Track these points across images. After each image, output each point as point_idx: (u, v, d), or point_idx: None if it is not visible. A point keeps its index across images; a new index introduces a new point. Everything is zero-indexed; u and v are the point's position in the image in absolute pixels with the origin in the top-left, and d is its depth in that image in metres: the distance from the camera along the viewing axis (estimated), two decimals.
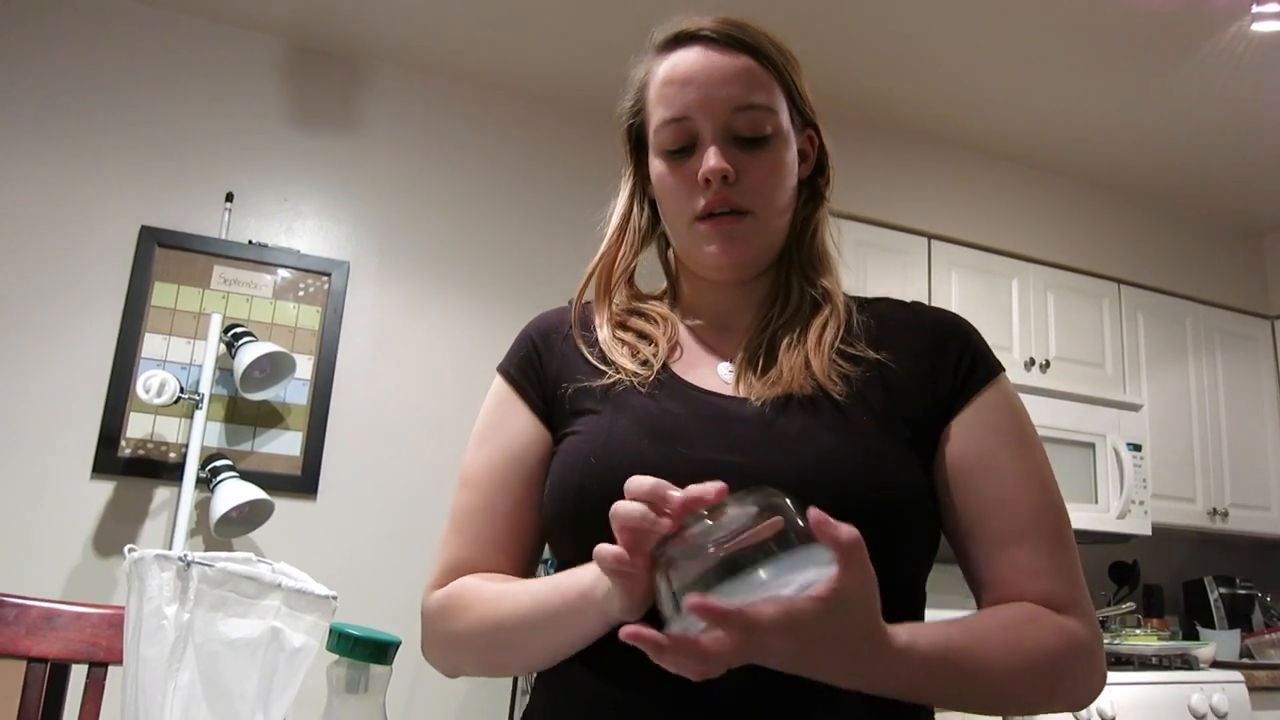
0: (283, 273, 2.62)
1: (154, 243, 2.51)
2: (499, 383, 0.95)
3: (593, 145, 2.92)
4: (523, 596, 0.80)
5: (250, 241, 2.60)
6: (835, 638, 0.60)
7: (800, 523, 0.58)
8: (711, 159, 0.85)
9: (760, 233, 0.89)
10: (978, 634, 0.74)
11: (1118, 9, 2.48)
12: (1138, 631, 2.92)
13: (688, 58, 0.88)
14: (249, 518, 2.37)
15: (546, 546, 0.92)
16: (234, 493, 2.31)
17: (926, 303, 0.98)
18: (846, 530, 0.57)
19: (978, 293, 3.07)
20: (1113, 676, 2.51)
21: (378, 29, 2.71)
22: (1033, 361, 3.07)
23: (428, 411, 2.70)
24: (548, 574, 0.83)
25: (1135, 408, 3.11)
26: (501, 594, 0.83)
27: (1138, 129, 3.07)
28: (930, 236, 3.03)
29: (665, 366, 0.89)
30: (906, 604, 0.81)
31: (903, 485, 0.79)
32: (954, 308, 2.97)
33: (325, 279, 2.66)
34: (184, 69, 2.63)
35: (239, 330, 2.45)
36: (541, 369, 0.93)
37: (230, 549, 2.44)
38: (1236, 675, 2.69)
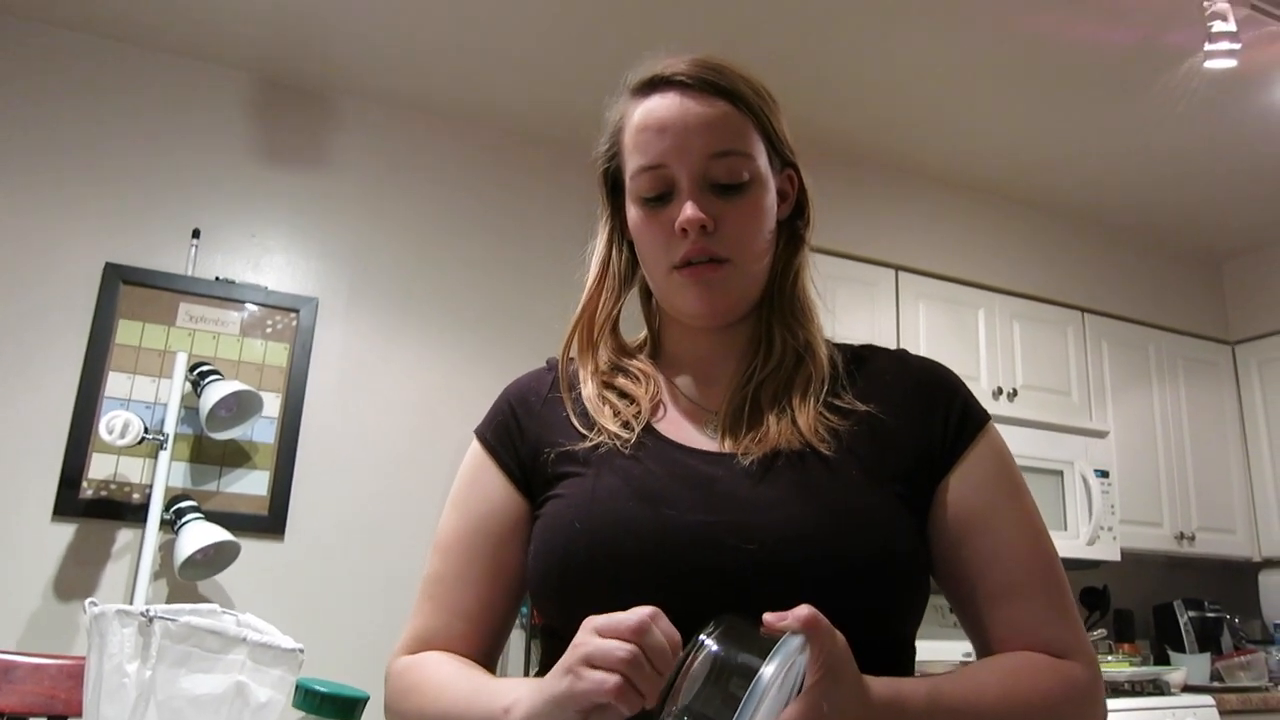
0: (250, 309, 2.60)
1: (118, 280, 2.47)
2: (475, 447, 0.94)
3: (565, 180, 2.94)
4: (453, 700, 0.80)
5: (217, 278, 2.58)
6: (842, 707, 0.61)
7: (759, 632, 0.61)
8: (689, 209, 0.84)
9: (739, 280, 0.88)
10: (972, 683, 0.75)
11: (1078, 45, 2.54)
12: (1110, 658, 2.93)
13: (663, 103, 0.87)
14: (214, 560, 2.33)
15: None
16: (199, 535, 2.27)
17: (909, 350, 0.96)
18: (799, 611, 0.60)
19: (945, 323, 3.10)
20: None
21: (347, 64, 2.71)
22: (1000, 390, 3.10)
23: (397, 449, 2.67)
24: (525, 623, 0.82)
25: (1102, 434, 3.15)
26: (440, 689, 0.82)
27: (1098, 160, 3.14)
28: (898, 268, 3.07)
29: (649, 426, 0.88)
30: (897, 659, 0.81)
31: (892, 544, 0.78)
32: (922, 338, 3.05)
33: (293, 315, 2.64)
34: (150, 104, 2.61)
35: (205, 369, 2.42)
36: (519, 434, 0.91)
37: (195, 592, 2.39)
38: (1208, 699, 2.72)
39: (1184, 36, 2.45)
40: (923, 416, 0.86)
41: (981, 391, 3.08)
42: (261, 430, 2.54)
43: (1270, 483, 3.42)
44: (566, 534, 0.81)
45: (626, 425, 0.86)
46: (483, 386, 2.78)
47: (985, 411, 0.89)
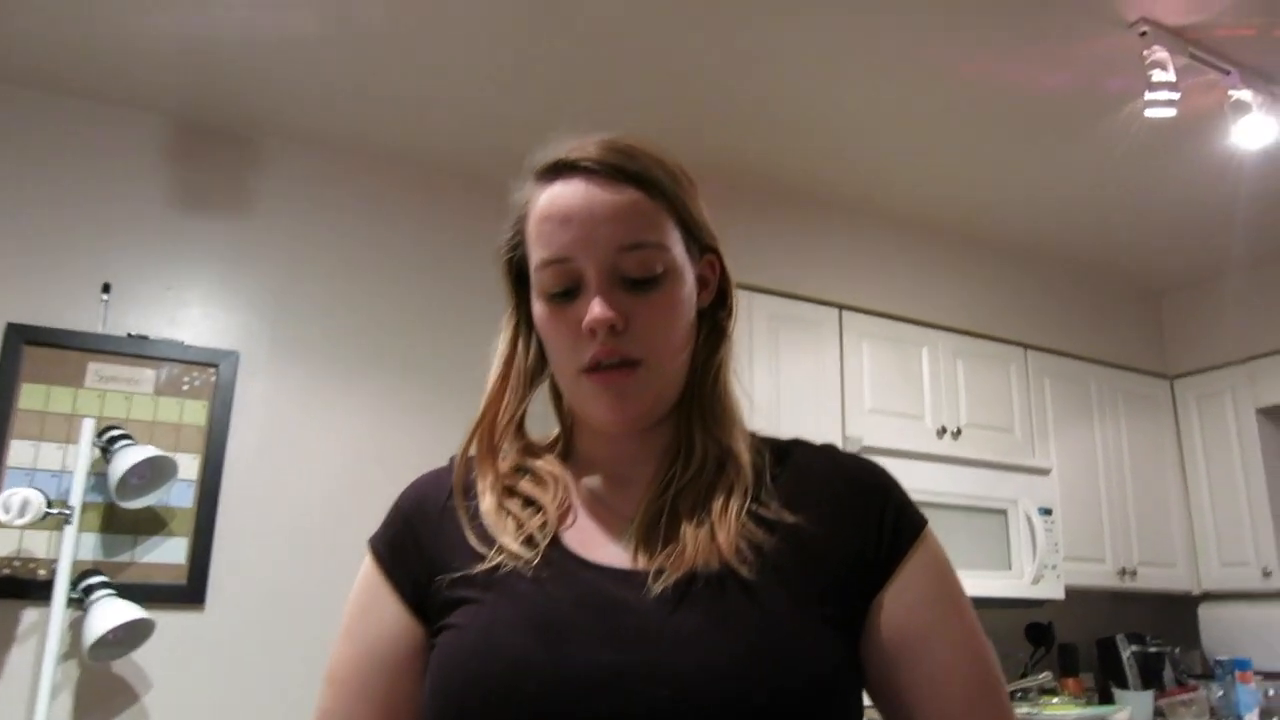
0: (166, 367, 2.47)
1: (21, 341, 2.33)
2: (368, 562, 0.87)
3: (500, 221, 2.84)
4: None
5: (130, 334, 2.44)
6: None
7: None
8: (596, 308, 0.77)
9: (653, 383, 0.81)
10: None
11: (1022, 90, 2.52)
12: (1055, 700, 2.93)
13: (567, 191, 0.80)
14: (127, 638, 2.20)
15: None
16: (109, 614, 2.15)
17: (840, 446, 0.90)
18: None
19: (889, 362, 3.07)
20: None
21: (268, 104, 2.58)
22: (944, 430, 3.08)
23: (326, 510, 2.56)
24: None
25: (1044, 472, 3.15)
26: None
27: (1041, 200, 3.14)
28: (841, 307, 3.03)
29: (555, 540, 0.80)
30: None
31: (820, 680, 0.73)
32: (866, 377, 3.02)
33: (212, 371, 2.51)
34: (54, 151, 2.47)
35: (114, 434, 2.28)
36: (415, 550, 0.84)
37: (108, 672, 2.26)
38: None
39: (1124, 82, 2.44)
40: (855, 526, 0.80)
41: (925, 430, 3.06)
42: (179, 494, 2.41)
43: (1209, 515, 3.45)
44: (462, 675, 0.74)
45: (529, 541, 0.79)
46: (415, 443, 2.69)
47: (922, 516, 0.83)
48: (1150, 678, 3.23)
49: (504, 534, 0.80)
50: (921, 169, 2.96)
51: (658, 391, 0.83)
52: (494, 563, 0.78)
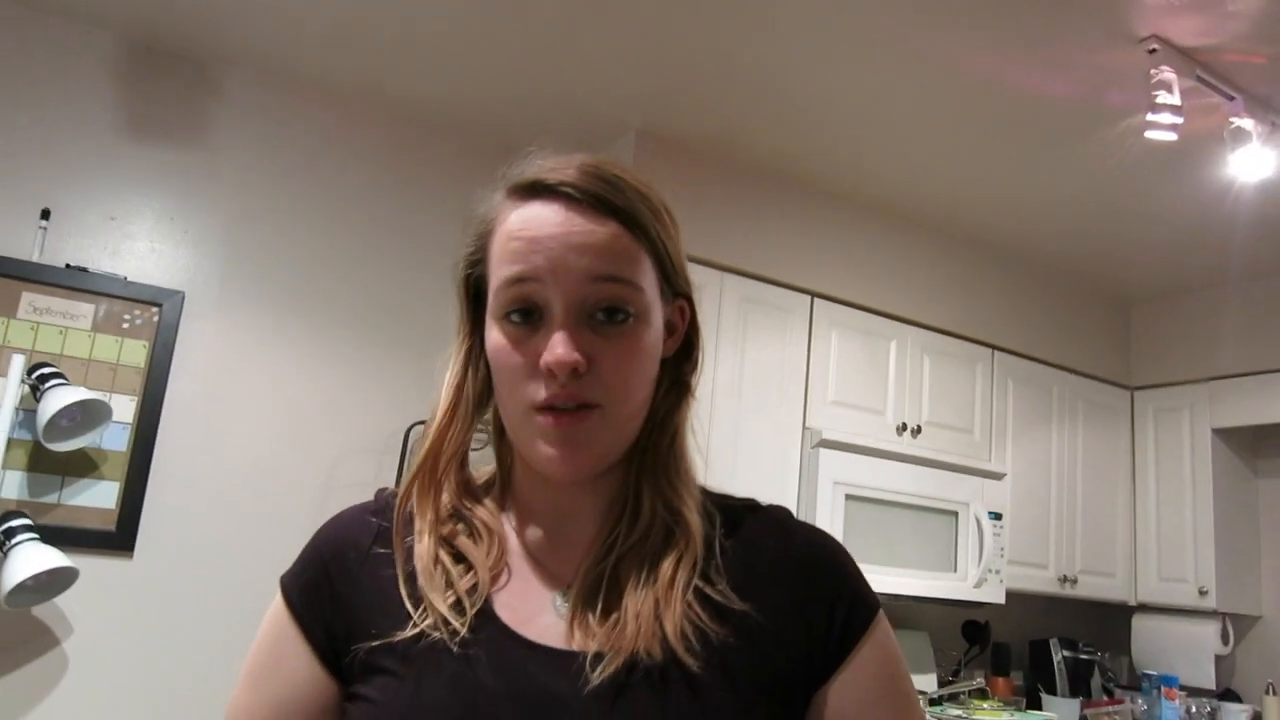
0: (105, 302, 2.34)
1: None
2: (279, 604, 0.80)
3: (469, 176, 2.72)
4: None
5: (68, 265, 2.31)
6: None
7: None
8: (559, 346, 0.71)
9: (608, 430, 0.75)
10: None
11: (1021, 92, 2.44)
12: (985, 706, 2.96)
13: (543, 214, 0.74)
14: (49, 585, 2.12)
15: None
16: (31, 559, 2.06)
17: (793, 511, 0.85)
18: None
19: (857, 353, 3.02)
20: None
21: (231, 28, 2.42)
22: (904, 426, 3.05)
23: (266, 461, 2.47)
24: None
25: (998, 476, 3.14)
26: None
27: (1026, 203, 3.08)
28: (813, 294, 2.96)
29: (486, 608, 0.75)
30: None
31: None
32: (832, 368, 2.95)
33: (155, 310, 2.39)
34: None
35: (46, 371, 2.17)
36: (331, 599, 0.78)
37: (28, 617, 2.19)
38: None
39: (1126, 97, 2.38)
40: (805, 616, 0.76)
41: (886, 426, 3.03)
42: (113, 437, 2.31)
43: (1153, 529, 3.48)
44: None
45: (458, 606, 0.73)
46: (362, 396, 2.61)
47: (874, 600, 0.79)
48: (1078, 684, 3.29)
49: (433, 591, 0.74)
50: (909, 162, 2.88)
51: (610, 441, 0.76)
52: (420, 628, 0.73)
